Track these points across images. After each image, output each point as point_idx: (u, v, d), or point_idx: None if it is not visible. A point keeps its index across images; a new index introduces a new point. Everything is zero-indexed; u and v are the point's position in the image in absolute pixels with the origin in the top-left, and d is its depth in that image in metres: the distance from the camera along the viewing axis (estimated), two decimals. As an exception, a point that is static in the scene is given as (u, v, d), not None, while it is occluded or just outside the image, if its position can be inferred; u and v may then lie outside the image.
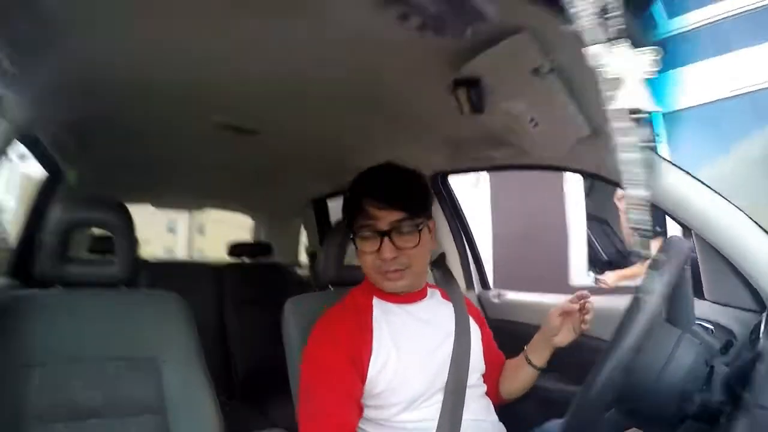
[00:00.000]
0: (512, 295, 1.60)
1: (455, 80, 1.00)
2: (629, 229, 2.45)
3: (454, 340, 0.95)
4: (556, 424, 0.98)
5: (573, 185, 3.07)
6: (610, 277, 1.97)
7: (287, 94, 1.25)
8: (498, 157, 1.41)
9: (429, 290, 1.04)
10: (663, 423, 0.66)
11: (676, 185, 0.94)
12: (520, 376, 1.05)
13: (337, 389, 0.85)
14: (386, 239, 0.89)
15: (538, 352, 1.02)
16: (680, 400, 0.63)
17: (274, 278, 2.40)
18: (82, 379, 0.94)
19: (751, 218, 0.86)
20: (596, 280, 1.99)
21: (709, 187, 0.93)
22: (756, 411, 0.55)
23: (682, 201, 0.94)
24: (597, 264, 2.88)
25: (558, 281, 2.83)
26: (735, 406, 0.59)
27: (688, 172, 0.96)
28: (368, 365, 0.87)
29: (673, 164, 0.99)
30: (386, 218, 0.90)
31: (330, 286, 1.20)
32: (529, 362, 1.02)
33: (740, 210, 0.88)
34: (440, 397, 0.89)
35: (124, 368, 0.97)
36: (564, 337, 0.98)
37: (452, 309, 1.02)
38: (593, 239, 3.01)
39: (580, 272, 2.92)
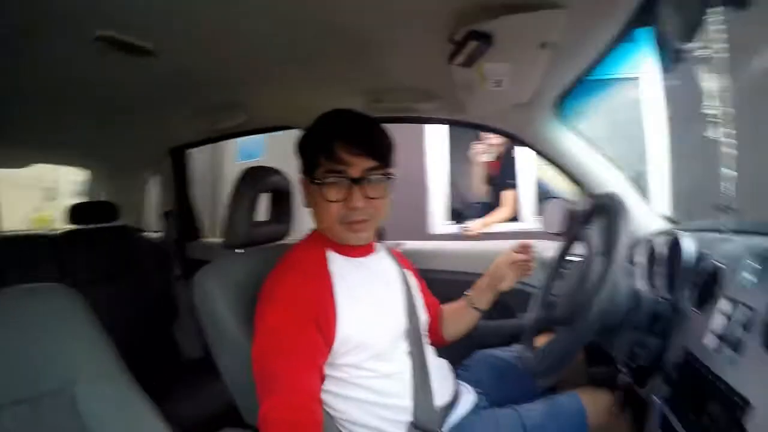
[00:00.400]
0: (410, 245, 1.68)
1: (473, 31, 0.88)
2: (480, 182, 2.82)
3: (404, 292, 0.99)
4: (482, 353, 1.19)
5: (433, 139, 3.11)
6: (476, 225, 2.25)
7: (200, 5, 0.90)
8: (426, 109, 1.38)
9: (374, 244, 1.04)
10: (607, 330, 0.90)
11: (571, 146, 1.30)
12: (464, 320, 1.16)
13: (303, 356, 0.78)
14: (356, 187, 0.86)
15: (483, 297, 1.12)
16: (618, 310, 0.87)
17: (124, 245, 1.98)
18: None
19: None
20: (463, 228, 2.22)
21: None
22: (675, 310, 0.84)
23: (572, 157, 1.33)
24: (455, 214, 3.14)
25: (419, 230, 2.92)
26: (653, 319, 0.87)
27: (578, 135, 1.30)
28: (335, 325, 0.83)
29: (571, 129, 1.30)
30: (359, 165, 0.86)
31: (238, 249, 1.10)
32: (474, 306, 1.14)
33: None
34: (403, 346, 0.92)
35: (28, 414, 0.63)
36: (508, 283, 1.11)
37: (394, 261, 1.05)
38: (451, 191, 3.21)
39: (438, 222, 3.08)
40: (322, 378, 0.82)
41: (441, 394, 0.93)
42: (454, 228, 2.85)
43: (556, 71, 1.07)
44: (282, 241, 1.16)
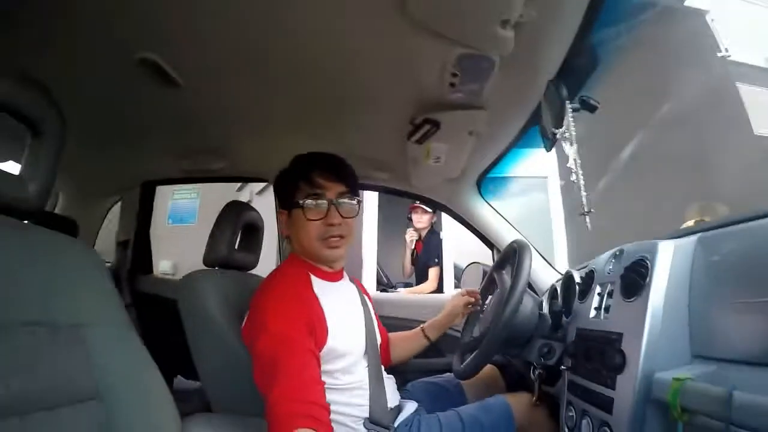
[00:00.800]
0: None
1: (427, 118, 1.25)
2: (408, 261, 3.20)
3: (365, 315, 1.15)
4: (419, 381, 1.37)
5: (368, 213, 3.42)
6: (404, 292, 2.53)
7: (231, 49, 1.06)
8: (379, 177, 1.71)
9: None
10: (521, 342, 1.17)
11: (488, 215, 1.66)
12: (414, 345, 1.39)
13: (307, 352, 0.88)
14: (333, 207, 1.03)
15: (436, 330, 1.37)
16: (528, 328, 1.16)
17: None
18: None
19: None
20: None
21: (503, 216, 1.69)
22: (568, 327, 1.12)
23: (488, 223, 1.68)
24: (381, 282, 3.46)
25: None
26: (555, 327, 1.16)
27: (492, 206, 1.70)
28: (326, 335, 0.95)
29: (487, 202, 1.71)
30: (333, 189, 1.05)
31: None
32: (426, 336, 1.38)
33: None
34: (364, 360, 1.06)
35: (45, 338, 0.63)
36: (460, 320, 1.39)
37: (357, 288, 1.22)
38: (378, 266, 3.56)
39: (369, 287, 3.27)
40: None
41: (391, 400, 1.10)
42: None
43: (478, 154, 1.47)
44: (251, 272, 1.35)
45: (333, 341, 0.96)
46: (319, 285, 1.04)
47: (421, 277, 2.95)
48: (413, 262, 3.12)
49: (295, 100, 1.30)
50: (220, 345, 1.06)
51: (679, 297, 0.73)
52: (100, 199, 2.27)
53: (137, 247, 2.12)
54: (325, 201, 1.03)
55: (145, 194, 2.14)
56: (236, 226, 1.28)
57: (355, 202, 1.08)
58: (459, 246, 3.06)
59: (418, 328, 1.40)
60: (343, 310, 1.06)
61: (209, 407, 1.12)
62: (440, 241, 3.00)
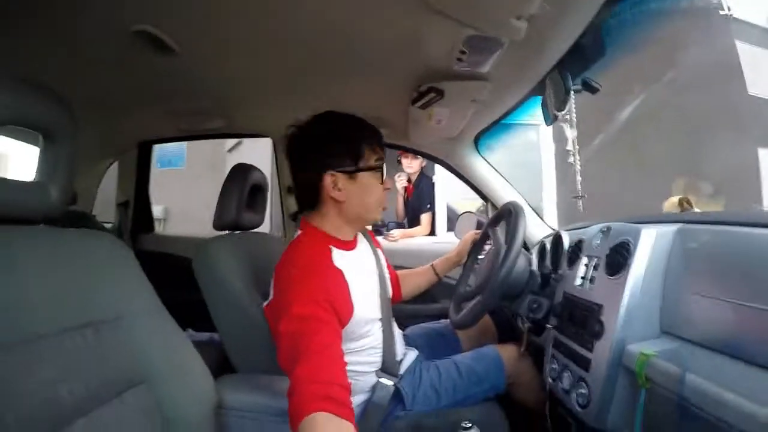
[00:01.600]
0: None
1: (432, 87, 1.28)
2: (400, 206, 3.25)
3: (380, 275, 1.19)
4: (416, 325, 1.52)
5: None
6: (397, 234, 2.59)
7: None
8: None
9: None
10: (513, 296, 1.28)
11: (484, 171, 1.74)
12: (423, 282, 1.48)
13: (331, 331, 0.89)
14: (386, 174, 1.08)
15: (446, 266, 1.47)
16: (520, 284, 1.26)
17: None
18: (45, 368, 0.61)
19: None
20: (386, 236, 2.53)
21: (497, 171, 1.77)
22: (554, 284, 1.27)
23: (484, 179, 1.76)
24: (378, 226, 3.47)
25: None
26: (543, 285, 1.29)
27: (488, 162, 1.76)
28: (352, 310, 0.98)
29: (483, 158, 1.77)
30: (385, 157, 1.10)
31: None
32: (436, 274, 1.49)
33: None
34: (379, 323, 1.11)
35: (92, 338, 0.68)
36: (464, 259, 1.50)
37: (370, 244, 1.25)
38: None
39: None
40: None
41: (399, 352, 1.22)
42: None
43: (478, 117, 1.51)
44: (257, 230, 1.43)
45: (357, 316, 1.00)
46: (340, 257, 1.05)
47: (413, 222, 3.04)
48: (405, 206, 3.21)
49: (297, 63, 1.29)
50: (239, 308, 1.14)
51: (655, 279, 0.84)
52: (96, 162, 2.25)
53: (138, 207, 2.15)
54: (384, 167, 1.07)
55: (142, 154, 2.14)
56: (244, 189, 1.32)
57: None
58: (452, 188, 3.12)
59: (429, 264, 1.50)
60: (364, 281, 1.09)
61: (223, 358, 1.21)
62: (432, 185, 3.07)
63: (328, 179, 1.02)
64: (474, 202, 2.61)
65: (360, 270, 1.10)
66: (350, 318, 0.98)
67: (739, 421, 0.55)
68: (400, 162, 3.08)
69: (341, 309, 0.95)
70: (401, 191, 3.20)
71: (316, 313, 0.88)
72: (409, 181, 3.13)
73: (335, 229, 1.09)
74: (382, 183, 1.07)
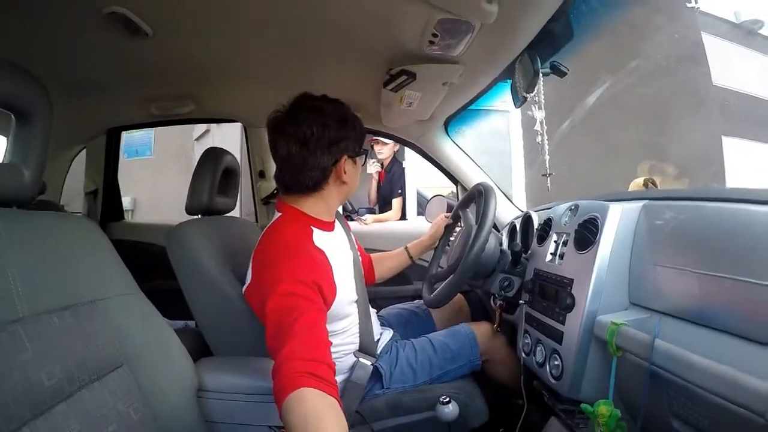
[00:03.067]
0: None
1: (404, 69, 1.27)
2: (374, 190, 3.25)
3: (353, 256, 1.21)
4: (391, 306, 1.56)
5: None
6: (369, 219, 2.58)
7: None
8: None
9: None
10: (485, 275, 1.32)
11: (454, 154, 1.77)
12: (396, 265, 1.50)
13: (317, 311, 0.89)
14: None
15: (419, 249, 1.50)
16: (491, 263, 1.31)
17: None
18: (23, 352, 0.59)
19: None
20: (358, 220, 2.50)
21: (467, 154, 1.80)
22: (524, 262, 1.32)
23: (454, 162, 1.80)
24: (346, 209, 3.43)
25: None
26: (514, 263, 1.34)
27: (458, 146, 1.79)
28: (335, 291, 1.00)
29: (453, 141, 1.80)
30: None
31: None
32: (410, 257, 1.50)
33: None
34: (355, 304, 1.14)
35: (71, 320, 0.67)
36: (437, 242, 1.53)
37: (343, 225, 1.27)
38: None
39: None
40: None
41: (376, 332, 1.24)
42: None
43: (449, 100, 1.52)
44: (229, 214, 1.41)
45: (339, 296, 1.01)
46: (320, 237, 1.05)
47: (384, 206, 3.08)
48: (378, 192, 3.24)
49: (271, 46, 1.27)
50: (215, 292, 1.12)
51: (622, 253, 0.88)
52: (64, 150, 2.17)
53: (107, 196, 2.07)
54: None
55: (110, 141, 2.06)
56: (216, 173, 1.30)
57: None
58: (421, 174, 3.17)
59: (402, 248, 1.52)
60: (343, 262, 1.11)
61: (199, 344, 1.17)
62: (403, 170, 3.10)
63: (342, 162, 1.05)
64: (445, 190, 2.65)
65: (339, 250, 1.12)
66: (334, 299, 0.99)
67: (706, 381, 0.60)
68: (372, 148, 3.08)
69: (327, 290, 0.95)
70: (375, 177, 3.22)
71: (304, 293, 0.88)
72: (382, 166, 3.15)
73: (323, 211, 1.10)
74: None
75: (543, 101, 1.04)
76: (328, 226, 1.12)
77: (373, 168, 3.14)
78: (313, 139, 1.01)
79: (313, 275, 0.92)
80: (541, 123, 1.09)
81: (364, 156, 1.13)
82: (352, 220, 2.52)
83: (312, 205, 1.08)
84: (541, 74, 1.03)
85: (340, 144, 1.03)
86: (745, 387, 0.54)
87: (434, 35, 1.06)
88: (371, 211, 3.05)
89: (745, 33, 3.86)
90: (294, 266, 0.92)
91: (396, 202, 2.94)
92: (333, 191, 1.09)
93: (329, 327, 0.98)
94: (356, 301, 1.14)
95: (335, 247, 1.10)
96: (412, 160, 3.15)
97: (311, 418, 0.67)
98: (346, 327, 1.10)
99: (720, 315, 0.67)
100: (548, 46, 1.01)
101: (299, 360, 0.76)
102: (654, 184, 1.21)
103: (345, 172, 1.06)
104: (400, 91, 1.39)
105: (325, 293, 0.94)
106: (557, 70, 1.04)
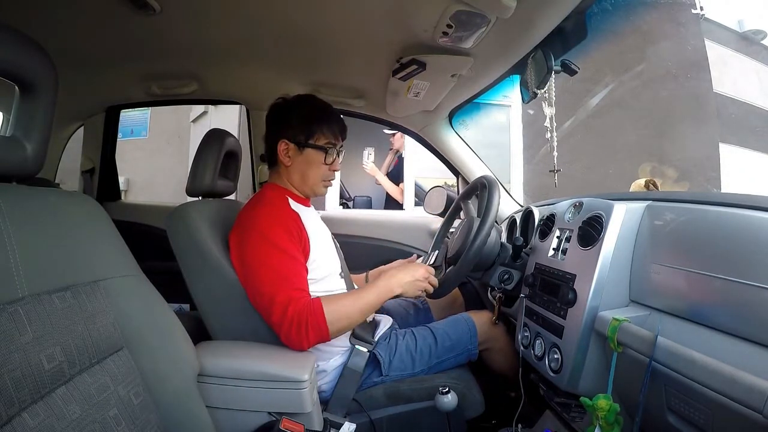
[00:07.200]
0: (328, 212, 2.01)
1: (414, 59, 1.27)
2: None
3: (333, 242, 1.32)
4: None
5: None
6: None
7: None
8: (356, 105, 1.73)
9: None
10: (484, 267, 1.35)
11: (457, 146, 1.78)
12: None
13: (295, 255, 1.07)
14: (338, 157, 1.25)
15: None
16: (491, 256, 1.33)
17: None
18: (23, 333, 0.57)
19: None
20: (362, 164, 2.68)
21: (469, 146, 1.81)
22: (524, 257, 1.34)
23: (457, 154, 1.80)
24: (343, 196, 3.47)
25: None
26: (515, 257, 1.37)
27: (461, 138, 1.79)
28: (309, 248, 1.13)
29: (457, 134, 1.80)
30: (340, 142, 1.25)
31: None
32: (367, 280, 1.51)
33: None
34: (341, 281, 1.24)
35: (72, 301, 0.65)
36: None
37: (321, 220, 1.35)
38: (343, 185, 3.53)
39: (331, 205, 3.14)
40: None
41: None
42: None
43: (455, 92, 1.52)
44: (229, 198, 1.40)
45: (314, 252, 1.14)
46: (295, 205, 1.20)
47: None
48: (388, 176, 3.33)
49: (280, 29, 1.26)
50: (216, 275, 1.11)
51: (625, 252, 0.90)
52: (62, 127, 2.12)
53: (103, 175, 2.04)
54: (335, 151, 1.22)
55: (110, 119, 2.03)
56: (219, 155, 1.28)
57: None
58: (420, 165, 3.19)
59: (364, 273, 1.54)
60: (319, 232, 1.23)
61: (195, 328, 1.14)
62: (402, 160, 3.12)
63: (282, 145, 1.20)
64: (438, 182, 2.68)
65: (314, 222, 1.24)
66: (309, 252, 1.13)
67: (707, 378, 0.61)
68: (391, 141, 3.26)
69: (303, 242, 1.11)
70: (391, 164, 3.34)
71: (283, 238, 1.06)
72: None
73: (292, 187, 1.24)
74: (327, 164, 1.21)
75: (554, 98, 1.04)
76: (302, 201, 1.25)
77: (368, 165, 3.16)
78: (268, 122, 1.23)
79: (289, 225, 1.09)
80: (551, 119, 1.09)
81: (320, 151, 1.20)
82: (347, 207, 2.54)
83: (282, 180, 1.24)
84: (554, 72, 1.04)
85: (282, 129, 1.20)
86: (745, 384, 0.56)
87: (449, 26, 1.05)
88: (368, 201, 3.08)
89: (747, 42, 3.90)
90: (272, 217, 1.09)
91: (401, 186, 3.07)
92: (282, 172, 1.23)
93: (315, 285, 1.13)
94: (341, 275, 1.25)
95: (311, 217, 1.23)
96: (410, 151, 3.16)
97: (349, 297, 1.07)
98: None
99: (717, 315, 0.69)
100: (562, 43, 1.01)
101: (298, 290, 1.02)
102: (655, 185, 1.23)
103: (288, 157, 1.20)
104: (408, 80, 1.39)
105: (302, 242, 1.11)
106: (568, 68, 1.04)
